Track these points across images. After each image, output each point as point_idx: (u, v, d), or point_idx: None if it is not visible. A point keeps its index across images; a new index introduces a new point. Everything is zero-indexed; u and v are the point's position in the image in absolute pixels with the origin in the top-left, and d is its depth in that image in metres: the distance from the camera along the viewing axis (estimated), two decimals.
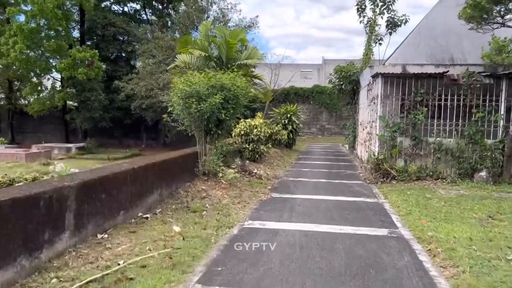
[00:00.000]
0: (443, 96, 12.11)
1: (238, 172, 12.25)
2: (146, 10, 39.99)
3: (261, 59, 20.86)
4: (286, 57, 51.01)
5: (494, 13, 12.05)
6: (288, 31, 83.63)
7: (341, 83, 20.62)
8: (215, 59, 19.14)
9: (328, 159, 19.08)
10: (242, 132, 15.15)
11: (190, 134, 10.13)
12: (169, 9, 38.16)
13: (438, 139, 12.08)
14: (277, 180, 12.11)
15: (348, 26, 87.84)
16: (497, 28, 12.30)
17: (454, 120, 12.12)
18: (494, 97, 11.87)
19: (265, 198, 9.35)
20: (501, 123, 11.85)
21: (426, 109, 12.13)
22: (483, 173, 11.39)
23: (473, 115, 11.99)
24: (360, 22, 20.97)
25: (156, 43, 28.08)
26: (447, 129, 12.15)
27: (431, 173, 11.80)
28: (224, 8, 30.19)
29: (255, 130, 15.12)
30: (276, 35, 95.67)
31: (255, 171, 12.87)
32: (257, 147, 15.12)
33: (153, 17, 38.86)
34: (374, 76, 13.35)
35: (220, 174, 9.66)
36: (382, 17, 20.36)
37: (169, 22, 36.08)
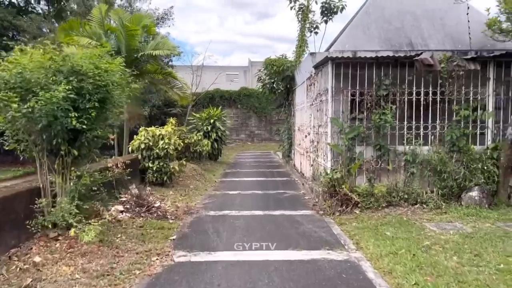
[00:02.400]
0: (414, 89, 8.87)
1: (129, 208, 7.98)
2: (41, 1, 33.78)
3: (175, 52, 16.66)
4: (209, 56, 46.80)
5: None
6: (213, 38, 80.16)
7: (273, 80, 17.05)
8: (113, 51, 14.55)
9: (261, 174, 15.33)
10: (143, 146, 10.85)
11: (25, 157, 5.74)
12: None
13: (411, 147, 8.80)
14: (190, 219, 8.01)
15: (272, 33, 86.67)
16: None
17: (430, 121, 8.93)
18: (480, 89, 8.86)
19: (159, 269, 5.23)
20: (491, 123, 8.85)
21: (394, 106, 8.80)
22: (474, 193, 8.25)
23: (455, 113, 8.89)
24: (291, 8, 17.65)
25: (51, 38, 22.62)
26: (422, 134, 8.92)
27: (405, 196, 8.45)
28: None
29: (162, 142, 10.91)
30: (201, 41, 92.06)
31: (158, 203, 8.66)
32: (164, 165, 10.90)
33: (45, 7, 32.74)
34: (320, 65, 9.82)
35: (75, 230, 5.34)
36: (316, 2, 17.25)
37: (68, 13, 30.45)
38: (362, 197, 8.34)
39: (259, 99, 34.44)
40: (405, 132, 8.91)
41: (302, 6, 17.56)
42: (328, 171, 8.78)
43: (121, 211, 7.54)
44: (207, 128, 18.29)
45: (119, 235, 6.27)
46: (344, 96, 9.02)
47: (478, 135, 8.85)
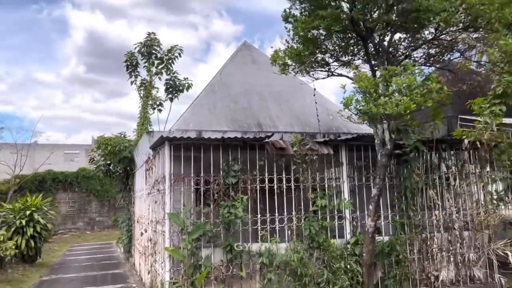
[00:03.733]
0: (266, 175, 7.60)
1: None
2: None
3: None
4: (40, 133, 41.15)
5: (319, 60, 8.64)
6: (58, 114, 73.37)
7: (108, 162, 14.52)
8: None
9: (90, 280, 12.05)
10: None
11: None
12: None
13: (266, 245, 7.27)
14: None
15: (124, 110, 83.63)
16: (324, 78, 8.91)
17: (286, 213, 7.64)
18: (335, 175, 8.05)
19: None
20: (348, 213, 7.98)
21: (246, 196, 7.30)
22: None
23: (311, 202, 7.81)
24: (132, 83, 15.98)
25: None
26: (278, 228, 7.54)
27: None
28: None
29: None
30: (43, 117, 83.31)
31: None
32: None
33: None
34: (158, 146, 7.98)
35: None
36: (160, 78, 15.91)
37: None
38: None
39: (101, 181, 30.57)
40: (259, 227, 7.41)
41: (145, 82, 16.02)
42: (166, 286, 6.59)
43: None
44: (20, 223, 14.33)
45: None
46: (186, 185, 7.22)
47: (336, 228, 7.84)
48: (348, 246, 7.66)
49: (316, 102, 9.61)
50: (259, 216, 7.44)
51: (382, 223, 8.16)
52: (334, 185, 7.97)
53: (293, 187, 7.71)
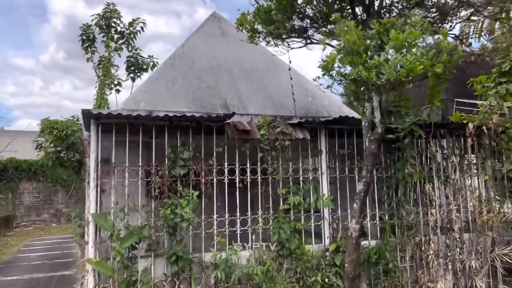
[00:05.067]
0: (226, 165, 6.02)
1: None
2: None
3: None
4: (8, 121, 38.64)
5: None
6: (36, 101, 69.85)
7: (59, 148, 12.72)
8: None
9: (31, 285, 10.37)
10: None
11: None
12: None
13: (224, 254, 5.71)
14: None
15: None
16: (301, 47, 7.31)
17: (250, 213, 6.08)
18: (312, 165, 6.53)
19: None
20: (327, 213, 6.46)
21: (196, 193, 5.69)
22: None
23: (282, 199, 6.26)
24: (88, 60, 14.12)
25: None
26: (240, 232, 5.99)
27: None
28: None
29: None
30: (20, 104, 79.08)
31: None
32: None
33: None
34: (88, 125, 6.28)
35: None
36: (120, 55, 14.10)
37: None
38: None
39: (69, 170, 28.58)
40: (215, 231, 5.85)
41: (103, 59, 14.18)
42: None
43: None
44: None
45: None
46: (130, 178, 5.58)
47: (313, 231, 6.33)
48: (327, 254, 6.16)
49: (291, 78, 8.05)
50: (215, 217, 5.87)
51: (369, 224, 6.69)
52: (310, 178, 6.44)
53: (259, 180, 6.15)
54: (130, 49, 13.92)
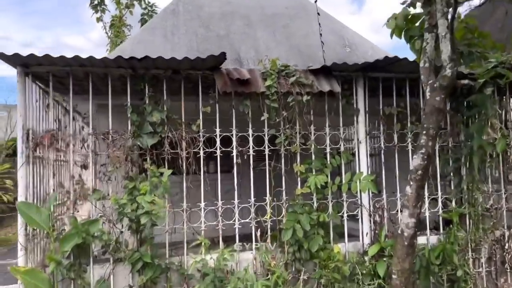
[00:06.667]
0: (217, 132, 4.20)
1: None
2: None
3: None
4: None
5: None
6: None
7: None
8: None
9: None
10: None
11: None
12: None
13: (214, 257, 3.98)
14: None
15: None
16: None
17: (252, 200, 4.27)
18: (344, 131, 4.57)
19: None
20: (367, 198, 4.51)
21: (169, 171, 3.93)
22: None
23: (300, 180, 4.38)
24: (98, 20, 12.63)
25: None
26: (237, 226, 4.21)
27: None
28: None
29: None
30: None
31: None
32: None
33: None
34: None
35: None
36: (131, 12, 12.50)
37: None
38: None
39: None
40: (203, 225, 4.11)
41: (115, 18, 12.63)
42: None
43: None
44: None
45: None
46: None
47: (345, 226, 4.44)
48: (366, 259, 4.27)
49: (318, 14, 5.96)
50: (202, 205, 4.12)
51: (427, 213, 4.70)
52: (342, 148, 4.50)
53: (267, 152, 4.30)
54: (143, 5, 12.25)
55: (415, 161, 3.78)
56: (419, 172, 3.76)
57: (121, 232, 3.90)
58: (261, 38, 7.73)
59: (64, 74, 3.99)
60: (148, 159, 4.00)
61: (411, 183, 3.80)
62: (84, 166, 3.99)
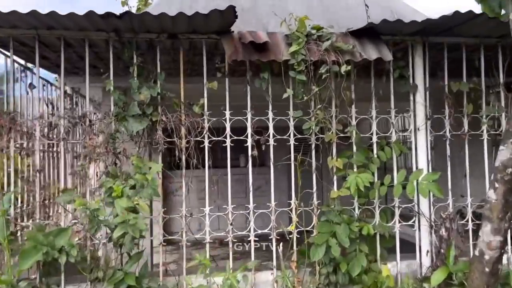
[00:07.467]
0: (227, 113, 3.22)
1: None
2: None
3: None
4: None
5: None
6: None
7: None
8: None
9: None
10: None
11: None
12: None
13: (220, 281, 3.01)
14: None
15: None
16: None
17: (273, 204, 3.26)
18: (395, 113, 3.45)
19: None
20: (428, 203, 3.38)
21: (159, 165, 2.99)
22: None
23: (334, 175, 3.32)
24: (124, 3, 11.92)
25: None
26: (252, 238, 3.22)
27: None
28: None
29: None
30: None
31: None
32: None
33: None
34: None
35: None
36: None
37: None
38: None
39: None
40: (207, 236, 3.15)
41: (141, 2, 11.88)
42: None
43: None
44: None
45: None
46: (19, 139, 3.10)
47: (397, 239, 3.34)
48: (425, 286, 3.15)
49: None
50: (207, 210, 3.16)
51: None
52: (393, 138, 3.39)
53: (292, 142, 3.26)
54: None
55: (503, 155, 2.64)
56: (509, 170, 2.62)
57: (103, 244, 3.01)
58: (292, 7, 6.63)
59: (33, 41, 3.13)
60: (138, 148, 3.08)
61: (496, 185, 2.67)
62: (27, 154, 3.13)
